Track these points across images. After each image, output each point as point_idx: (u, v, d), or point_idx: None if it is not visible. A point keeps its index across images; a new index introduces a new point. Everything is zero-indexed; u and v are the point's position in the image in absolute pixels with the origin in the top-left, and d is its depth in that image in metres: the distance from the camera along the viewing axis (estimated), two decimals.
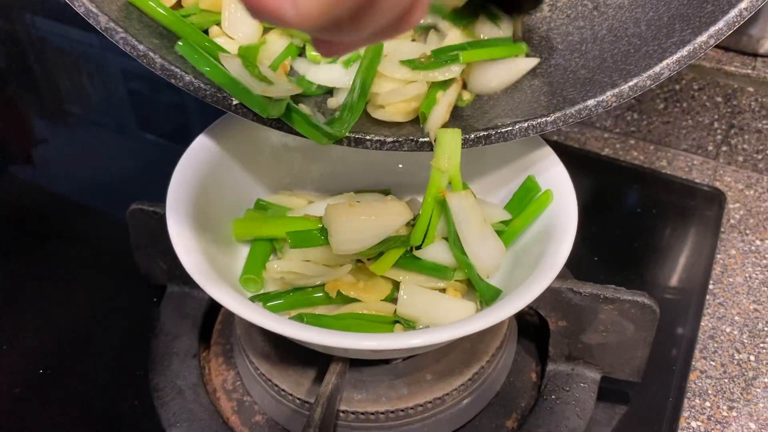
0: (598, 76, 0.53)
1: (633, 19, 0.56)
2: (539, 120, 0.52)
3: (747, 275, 0.69)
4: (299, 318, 0.48)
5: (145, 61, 0.49)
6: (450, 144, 0.51)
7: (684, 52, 0.49)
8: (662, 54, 0.50)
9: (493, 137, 0.53)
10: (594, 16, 0.59)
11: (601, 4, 0.59)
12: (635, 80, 0.50)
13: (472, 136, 0.52)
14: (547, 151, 0.56)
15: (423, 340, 0.42)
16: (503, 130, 0.52)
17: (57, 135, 0.95)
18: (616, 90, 0.50)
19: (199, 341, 0.60)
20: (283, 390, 0.52)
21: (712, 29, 0.48)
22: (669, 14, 0.54)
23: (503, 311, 0.44)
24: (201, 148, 0.56)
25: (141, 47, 0.48)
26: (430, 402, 0.51)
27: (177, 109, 0.97)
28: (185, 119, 0.97)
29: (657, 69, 0.49)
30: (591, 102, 0.51)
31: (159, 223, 0.59)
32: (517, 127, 0.52)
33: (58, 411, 0.57)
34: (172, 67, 0.49)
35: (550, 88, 0.56)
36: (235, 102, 0.50)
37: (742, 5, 0.47)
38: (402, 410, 0.51)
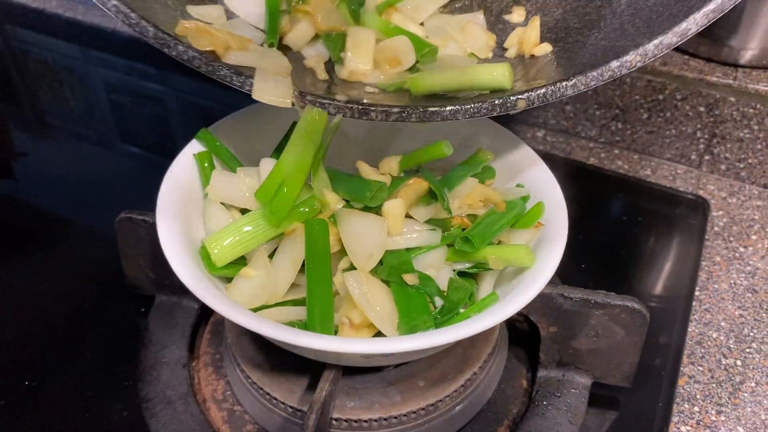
0: (620, 42, 0.50)
1: None
2: (559, 84, 0.48)
3: (732, 281, 0.69)
4: (292, 324, 0.48)
5: (137, 29, 0.47)
6: None
7: (712, 5, 0.45)
8: (688, 11, 0.46)
9: (509, 104, 0.48)
10: None
11: None
12: (660, 38, 0.46)
13: (487, 103, 0.49)
14: (537, 160, 0.57)
15: (414, 344, 0.42)
16: (521, 96, 0.48)
17: (38, 148, 0.94)
18: (640, 49, 0.46)
19: (189, 351, 0.60)
20: (275, 398, 0.52)
21: None
22: None
23: (495, 316, 0.44)
24: (190, 155, 0.55)
25: (133, 15, 0.47)
26: (423, 409, 0.51)
27: (160, 121, 0.97)
28: (168, 131, 0.96)
29: (684, 25, 0.46)
30: (614, 63, 0.47)
31: (148, 232, 0.59)
32: (535, 92, 0.48)
33: (45, 423, 0.56)
34: (165, 36, 0.47)
35: (569, 61, 0.53)
36: (225, 71, 0.48)
37: None
38: (395, 417, 0.51)
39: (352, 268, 0.48)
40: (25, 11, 1.15)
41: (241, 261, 0.50)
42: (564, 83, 0.48)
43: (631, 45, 0.47)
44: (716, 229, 0.76)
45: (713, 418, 0.58)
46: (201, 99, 0.97)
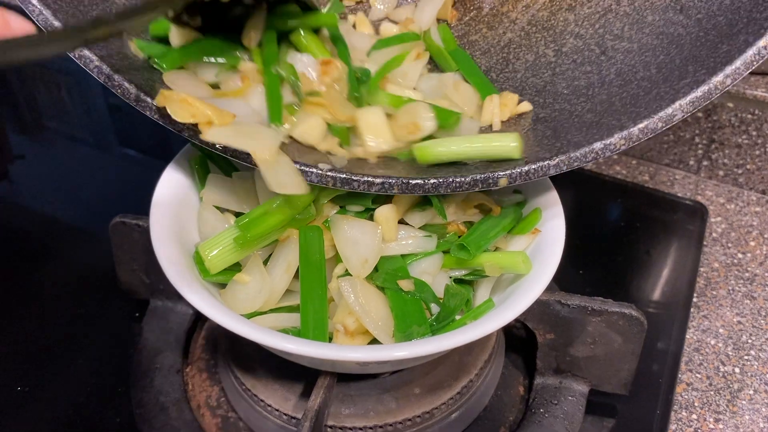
0: (606, 119, 0.50)
1: (643, 63, 0.53)
2: (541, 163, 0.48)
3: (730, 288, 0.69)
4: (286, 331, 0.48)
5: (119, 91, 0.47)
6: None
7: (698, 92, 0.45)
8: (674, 95, 0.46)
9: (490, 180, 0.48)
10: (602, 61, 0.56)
11: (608, 49, 0.56)
12: (645, 122, 0.46)
13: (469, 178, 0.48)
14: None
15: (409, 352, 0.42)
16: (502, 173, 0.48)
17: (35, 151, 0.93)
18: (625, 132, 0.46)
19: (183, 357, 0.59)
20: (270, 405, 0.51)
21: (729, 68, 0.45)
22: (681, 57, 0.50)
23: (491, 324, 0.44)
24: (186, 159, 0.55)
25: (117, 77, 0.47)
26: (419, 416, 0.51)
27: (157, 124, 0.96)
28: (165, 135, 0.95)
29: (669, 111, 0.46)
30: (598, 145, 0.47)
31: (142, 236, 0.58)
32: (517, 170, 0.48)
33: (37, 429, 0.55)
34: (147, 99, 0.48)
35: (554, 133, 0.52)
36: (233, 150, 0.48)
37: (761, 43, 0.45)
38: (390, 425, 0.50)
39: (347, 274, 0.48)
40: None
41: (236, 267, 0.49)
42: (547, 162, 0.48)
43: (616, 126, 0.47)
44: (714, 235, 0.75)
45: (711, 426, 0.57)
46: None
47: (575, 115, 0.53)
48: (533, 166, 0.48)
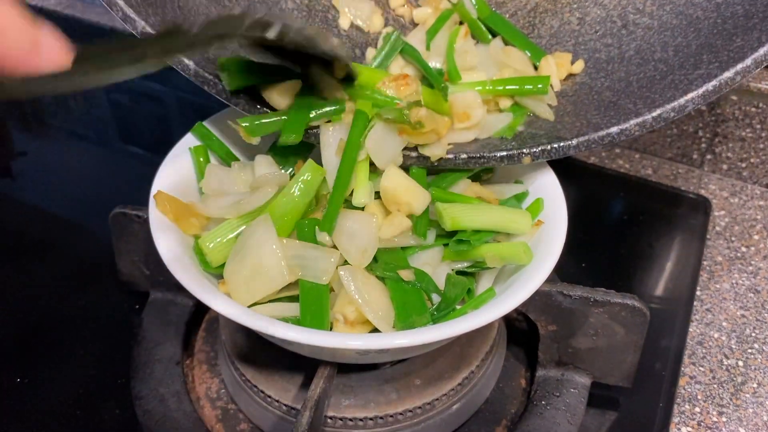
0: (623, 101, 0.53)
1: (661, 42, 0.56)
2: (562, 143, 0.52)
3: (733, 281, 0.69)
4: (285, 320, 0.47)
5: (179, 66, 0.50)
6: None
7: (710, 86, 0.48)
8: (688, 86, 0.49)
9: (515, 158, 0.52)
10: (622, 35, 0.59)
11: (630, 23, 0.59)
12: (659, 111, 0.49)
13: (496, 155, 0.52)
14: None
15: (410, 340, 0.42)
16: (526, 151, 0.52)
17: (37, 147, 0.93)
18: (640, 119, 0.50)
19: (183, 348, 0.59)
20: (269, 396, 0.51)
21: (740, 66, 0.47)
22: (698, 42, 0.53)
23: (492, 313, 0.43)
24: (185, 149, 0.55)
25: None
26: (420, 407, 0.50)
27: (158, 120, 0.96)
28: (167, 131, 0.96)
29: (682, 101, 0.49)
30: (614, 129, 0.50)
31: (142, 227, 0.58)
32: (540, 149, 0.52)
33: (37, 421, 0.55)
34: (206, 74, 0.51)
35: (574, 108, 0.55)
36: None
37: None
38: (391, 416, 0.50)
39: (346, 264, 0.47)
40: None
41: None
42: (568, 143, 0.52)
43: (632, 111, 0.51)
44: (718, 228, 0.75)
45: (714, 419, 0.57)
46: (200, 98, 0.97)
47: (594, 91, 0.56)
48: (555, 146, 0.52)
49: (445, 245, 0.50)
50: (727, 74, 0.48)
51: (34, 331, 0.63)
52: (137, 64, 0.34)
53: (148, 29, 0.49)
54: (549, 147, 0.52)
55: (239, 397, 0.54)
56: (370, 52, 0.61)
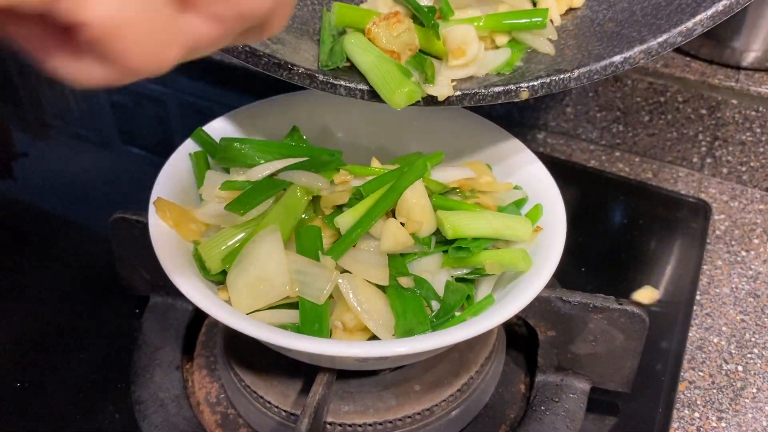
0: (626, 30, 0.50)
1: None
2: (562, 75, 0.49)
3: (733, 286, 0.69)
4: (285, 327, 0.47)
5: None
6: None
7: (720, 6, 0.45)
8: (696, 8, 0.46)
9: (512, 92, 0.50)
10: None
11: None
12: (665, 36, 0.47)
13: (492, 90, 0.50)
14: (536, 162, 0.56)
15: (409, 347, 0.42)
16: (524, 85, 0.50)
17: (38, 148, 0.93)
18: (645, 46, 0.47)
19: (183, 353, 0.59)
20: (269, 402, 0.51)
21: None
22: None
23: (491, 320, 0.43)
24: (185, 154, 0.55)
25: None
26: (419, 413, 0.51)
27: (160, 121, 0.96)
28: (168, 133, 0.96)
29: (690, 24, 0.46)
30: (617, 58, 0.48)
31: (142, 232, 0.58)
32: (539, 82, 0.50)
33: (36, 425, 0.55)
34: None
35: (576, 42, 0.53)
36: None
37: None
38: (390, 422, 0.50)
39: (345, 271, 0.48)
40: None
41: None
42: (568, 75, 0.49)
43: (637, 39, 0.48)
44: (718, 232, 0.75)
45: (714, 424, 0.57)
46: (201, 99, 0.97)
47: (597, 23, 0.53)
48: (554, 78, 0.49)
49: (445, 252, 0.50)
50: None
51: (33, 334, 0.63)
52: None
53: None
54: (548, 80, 0.49)
55: (239, 402, 0.54)
56: None
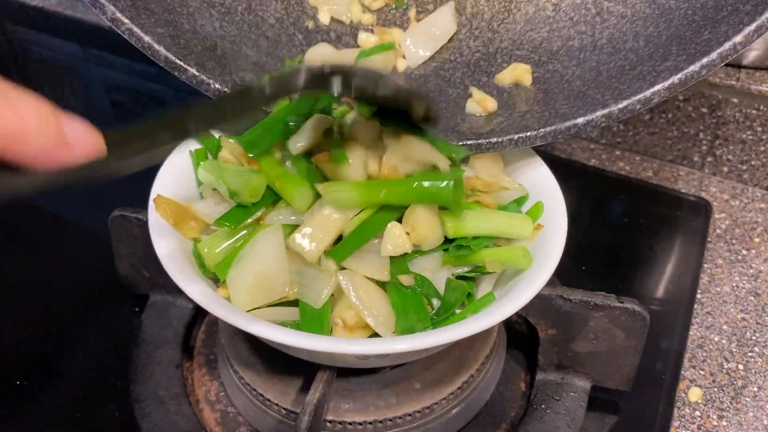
0: (591, 91, 0.53)
1: (633, 32, 0.56)
2: (530, 133, 0.52)
3: (734, 284, 0.69)
4: (285, 324, 0.47)
5: (149, 52, 0.51)
6: None
7: (675, 79, 0.49)
8: (655, 78, 0.50)
9: (483, 146, 0.53)
10: (596, 23, 0.59)
11: (604, 11, 0.59)
12: (625, 102, 0.50)
13: (464, 143, 0.53)
14: (537, 160, 0.56)
15: (409, 345, 0.42)
16: (494, 140, 0.53)
17: None
18: (606, 111, 0.50)
19: (182, 351, 0.59)
20: (269, 400, 0.51)
21: (705, 60, 0.48)
22: (668, 33, 0.53)
23: (491, 317, 0.43)
24: (185, 151, 0.55)
25: (146, 38, 0.50)
26: (419, 411, 0.50)
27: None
28: None
29: (648, 93, 0.49)
30: (580, 120, 0.51)
31: (141, 230, 0.58)
32: (506, 138, 0.53)
33: (36, 423, 0.55)
34: (177, 60, 0.51)
35: (545, 96, 0.56)
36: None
37: (737, 39, 0.47)
38: (390, 420, 0.50)
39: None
40: (25, 9, 1.14)
41: None
42: (534, 133, 0.52)
43: (599, 102, 0.52)
44: (718, 231, 0.75)
45: (715, 423, 0.57)
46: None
47: (565, 80, 0.57)
48: (522, 135, 0.53)
49: (445, 250, 0.50)
50: (693, 68, 0.48)
51: (33, 332, 0.63)
52: (178, 140, 0.32)
53: (137, 30, 0.49)
54: (516, 137, 0.52)
55: (238, 400, 0.54)
56: (363, 36, 0.63)
